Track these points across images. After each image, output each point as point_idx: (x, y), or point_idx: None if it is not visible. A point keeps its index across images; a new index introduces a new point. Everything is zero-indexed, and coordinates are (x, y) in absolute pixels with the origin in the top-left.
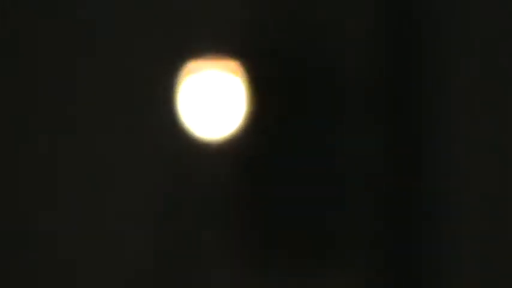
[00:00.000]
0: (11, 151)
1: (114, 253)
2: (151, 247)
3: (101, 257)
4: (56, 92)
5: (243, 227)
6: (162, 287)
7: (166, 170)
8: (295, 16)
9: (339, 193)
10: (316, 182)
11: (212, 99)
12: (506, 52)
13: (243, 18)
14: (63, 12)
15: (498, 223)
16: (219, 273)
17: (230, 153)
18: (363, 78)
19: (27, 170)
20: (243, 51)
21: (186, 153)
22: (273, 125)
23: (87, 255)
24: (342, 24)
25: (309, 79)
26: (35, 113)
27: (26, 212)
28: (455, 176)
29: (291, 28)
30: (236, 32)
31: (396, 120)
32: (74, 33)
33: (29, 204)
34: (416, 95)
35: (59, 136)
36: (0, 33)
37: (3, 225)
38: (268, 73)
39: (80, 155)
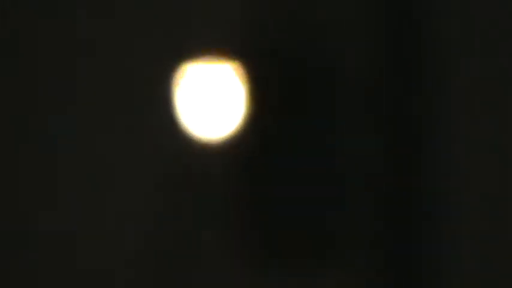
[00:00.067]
0: (11, 151)
1: (114, 253)
2: (151, 247)
3: (101, 257)
4: (56, 92)
5: (243, 227)
6: (162, 287)
7: (166, 170)
8: (295, 16)
9: (339, 193)
10: (316, 182)
11: (212, 99)
12: (506, 52)
13: (243, 18)
14: (63, 12)
15: (498, 223)
16: (219, 273)
17: (230, 153)
18: (363, 78)
19: (27, 170)
20: (243, 51)
21: (186, 153)
22: (272, 125)
23: (87, 255)
24: (342, 24)
25: (309, 79)
26: (35, 113)
27: (26, 212)
28: (455, 176)
29: (291, 28)
30: (236, 32)
31: (396, 120)
32: (74, 33)
33: (29, 204)
34: (416, 95)
35: (59, 136)
36: (0, 33)
37: (3, 225)
38: (268, 73)
39: (79, 155)
